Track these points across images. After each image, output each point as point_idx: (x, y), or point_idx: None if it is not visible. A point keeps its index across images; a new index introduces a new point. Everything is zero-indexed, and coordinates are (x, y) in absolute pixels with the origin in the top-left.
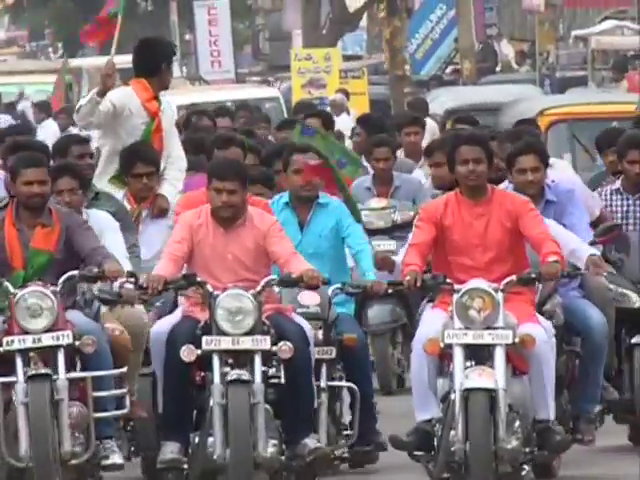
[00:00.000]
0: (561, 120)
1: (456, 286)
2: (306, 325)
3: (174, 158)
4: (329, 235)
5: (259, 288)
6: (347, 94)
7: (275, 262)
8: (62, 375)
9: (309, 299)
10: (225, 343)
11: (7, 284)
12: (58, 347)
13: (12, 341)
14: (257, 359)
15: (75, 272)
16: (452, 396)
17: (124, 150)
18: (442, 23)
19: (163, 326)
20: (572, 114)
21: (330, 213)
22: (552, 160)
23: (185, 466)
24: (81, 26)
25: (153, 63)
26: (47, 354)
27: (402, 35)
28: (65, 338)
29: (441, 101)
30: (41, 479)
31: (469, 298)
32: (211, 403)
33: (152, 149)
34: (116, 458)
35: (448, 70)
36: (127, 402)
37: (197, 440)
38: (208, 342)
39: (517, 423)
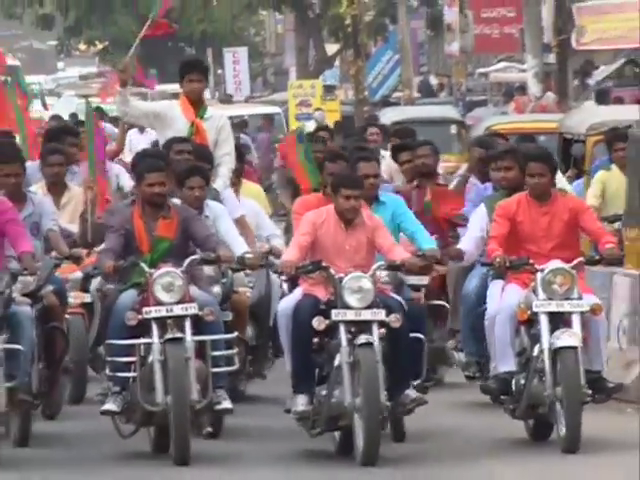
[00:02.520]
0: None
1: (537, 266)
2: (402, 300)
3: (223, 157)
4: (389, 225)
5: (371, 272)
6: (324, 111)
7: (379, 251)
8: (189, 338)
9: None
10: (350, 315)
11: (142, 265)
12: (186, 316)
13: (150, 311)
14: (375, 328)
15: (196, 256)
16: (535, 352)
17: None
18: (390, 63)
19: (288, 303)
20: (510, 129)
21: (387, 207)
22: None
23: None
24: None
25: (179, 78)
26: (177, 321)
27: (363, 71)
28: (192, 309)
29: (388, 116)
30: (179, 420)
31: (552, 275)
32: (337, 362)
33: (207, 150)
34: (227, 404)
35: (394, 95)
36: (236, 360)
37: (323, 393)
38: (336, 314)
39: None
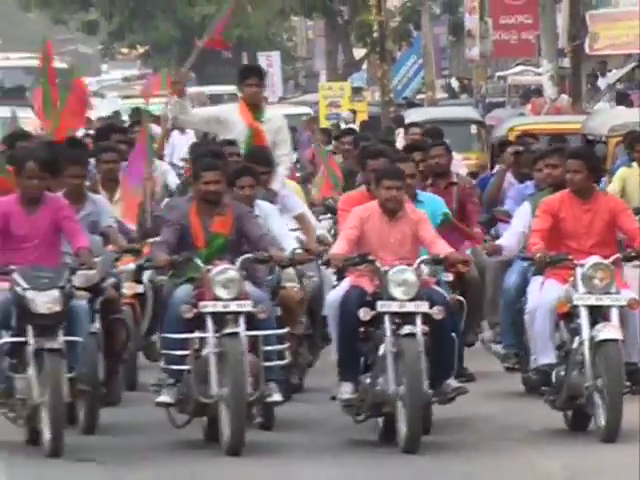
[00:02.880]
0: (525, 134)
1: (576, 261)
2: (444, 292)
3: (281, 158)
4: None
5: (416, 265)
6: (354, 112)
7: (422, 244)
8: (243, 333)
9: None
10: (394, 306)
11: (197, 260)
12: (241, 313)
13: (206, 305)
14: (418, 319)
15: (250, 255)
16: (574, 345)
17: (247, 154)
18: (414, 67)
19: (336, 294)
20: (534, 129)
21: (425, 206)
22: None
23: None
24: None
25: (238, 83)
26: (231, 317)
27: (388, 74)
28: (247, 306)
29: (413, 117)
30: (236, 412)
31: (593, 270)
32: (381, 352)
33: (266, 151)
34: (277, 396)
35: (418, 96)
36: (287, 354)
37: (368, 380)
38: (381, 306)
39: None
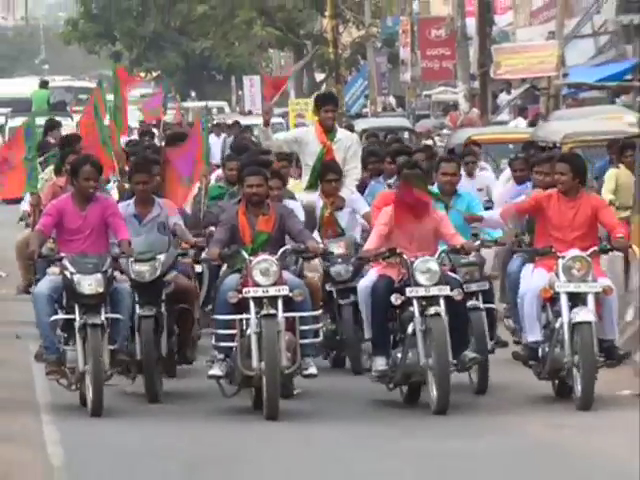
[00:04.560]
0: (483, 142)
1: (559, 253)
2: (459, 278)
3: (350, 170)
4: (464, 213)
5: (437, 255)
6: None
7: (442, 238)
8: (281, 314)
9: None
10: (421, 292)
11: (244, 253)
12: (279, 296)
13: (249, 291)
14: (442, 301)
15: (288, 247)
16: (557, 325)
17: (318, 163)
18: (361, 87)
19: (366, 282)
20: (488, 139)
21: (463, 199)
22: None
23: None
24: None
25: (315, 108)
26: (271, 300)
27: (342, 93)
28: (284, 290)
29: (360, 125)
30: (270, 382)
31: (572, 261)
32: (410, 330)
33: (336, 164)
34: (312, 370)
35: (364, 110)
36: (321, 333)
37: (399, 355)
38: (410, 291)
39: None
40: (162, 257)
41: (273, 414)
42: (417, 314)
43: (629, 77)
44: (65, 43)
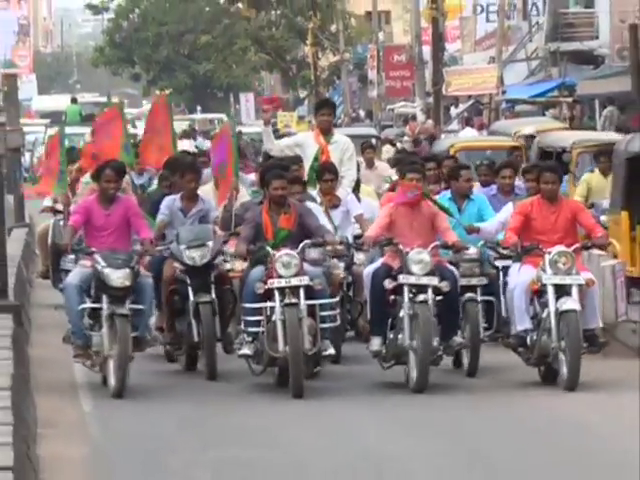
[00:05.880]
0: (462, 149)
1: (545, 250)
2: (455, 270)
3: (346, 172)
4: (476, 215)
5: (430, 248)
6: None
7: (436, 230)
8: (302, 302)
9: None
10: (412, 279)
11: (268, 248)
12: (300, 286)
13: (273, 282)
14: (429, 290)
15: (308, 241)
16: (544, 314)
17: (314, 162)
18: (337, 102)
19: (370, 269)
20: (469, 146)
21: (475, 203)
22: None
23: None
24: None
25: (314, 113)
26: (293, 290)
27: None
28: (304, 280)
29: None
30: (295, 363)
31: (558, 256)
32: (401, 314)
33: (333, 165)
34: (331, 350)
35: (338, 121)
36: (338, 317)
37: (392, 336)
38: (402, 278)
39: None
40: (210, 244)
41: (299, 392)
42: (406, 299)
43: (555, 94)
44: (94, 66)
